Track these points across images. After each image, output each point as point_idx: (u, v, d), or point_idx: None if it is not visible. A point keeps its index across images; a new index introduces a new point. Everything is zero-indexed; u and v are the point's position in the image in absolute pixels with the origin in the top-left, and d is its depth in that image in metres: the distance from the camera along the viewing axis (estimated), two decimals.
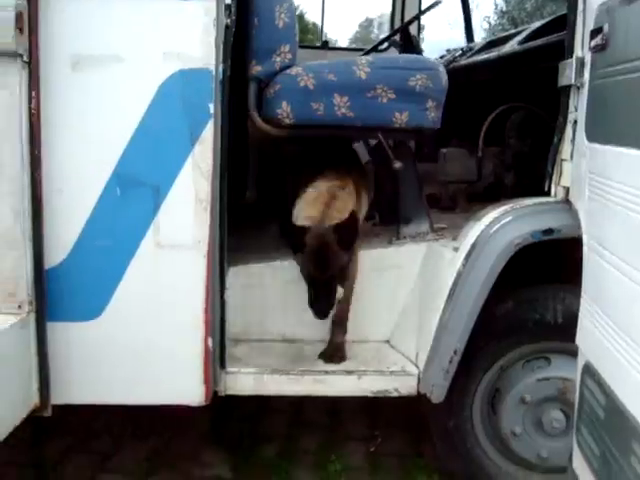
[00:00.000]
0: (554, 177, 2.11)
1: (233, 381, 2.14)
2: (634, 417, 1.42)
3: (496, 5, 20.08)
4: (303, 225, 2.09)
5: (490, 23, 20.41)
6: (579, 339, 1.80)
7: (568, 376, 2.10)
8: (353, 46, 17.20)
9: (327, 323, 2.25)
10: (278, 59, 2.20)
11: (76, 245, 1.91)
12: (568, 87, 1.99)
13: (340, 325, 2.28)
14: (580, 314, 1.79)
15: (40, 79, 1.79)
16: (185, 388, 2.03)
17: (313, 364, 2.22)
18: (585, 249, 1.78)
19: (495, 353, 2.19)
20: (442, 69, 2.28)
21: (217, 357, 2.05)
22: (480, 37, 5.59)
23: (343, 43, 20.09)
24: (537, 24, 3.15)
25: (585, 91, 1.86)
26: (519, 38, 3.05)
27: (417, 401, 2.31)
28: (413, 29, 4.17)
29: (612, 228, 1.61)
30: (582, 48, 1.91)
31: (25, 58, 1.76)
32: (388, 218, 2.59)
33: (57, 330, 1.92)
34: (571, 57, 1.95)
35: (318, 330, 2.29)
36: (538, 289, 2.19)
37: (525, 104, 2.84)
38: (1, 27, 1.71)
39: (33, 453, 2.60)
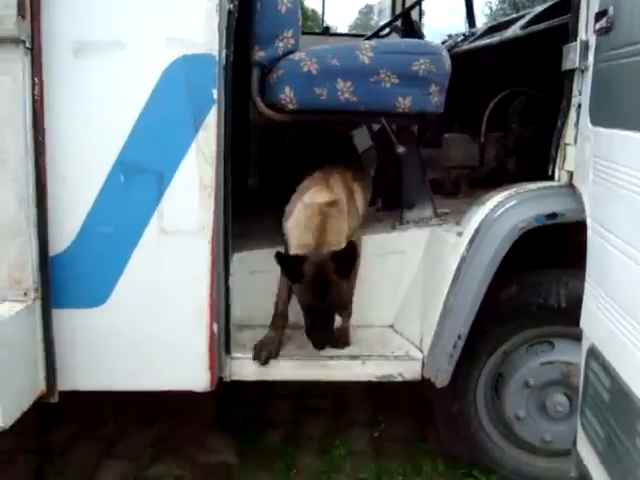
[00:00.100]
0: (558, 161, 2.11)
1: (238, 367, 2.15)
2: (639, 399, 1.43)
3: None
4: (298, 254, 2.03)
5: (491, 8, 20.35)
6: (583, 322, 1.81)
7: (572, 360, 2.11)
8: (353, 32, 17.10)
9: None
10: (281, 44, 2.19)
11: (80, 232, 1.91)
12: (572, 71, 1.98)
13: (344, 310, 2.28)
14: (584, 297, 1.80)
15: (42, 66, 1.79)
16: (190, 374, 2.04)
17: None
18: (589, 233, 1.78)
19: (499, 337, 2.20)
20: (445, 53, 2.27)
21: (222, 343, 2.07)
22: (481, 22, 5.55)
23: (343, 30, 19.98)
24: (540, 8, 3.13)
25: (589, 74, 1.86)
26: (521, 22, 3.03)
27: (420, 386, 2.32)
28: (414, 14, 4.16)
29: (617, 211, 1.61)
30: (586, 31, 1.90)
31: (27, 44, 1.76)
32: (391, 203, 2.59)
33: (62, 317, 1.93)
34: (575, 40, 1.95)
35: None
36: (542, 273, 2.20)
37: (527, 89, 2.83)
38: (3, 14, 1.71)
39: (40, 440, 2.62)
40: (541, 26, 2.70)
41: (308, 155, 2.46)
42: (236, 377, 2.16)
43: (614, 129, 1.63)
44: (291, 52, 2.20)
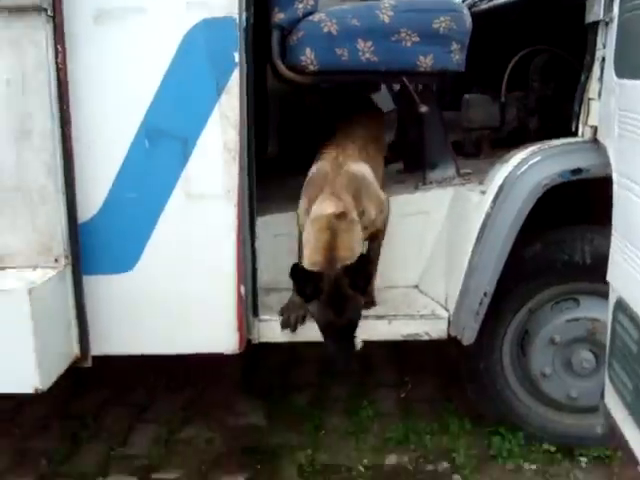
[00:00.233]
0: (581, 117, 2.09)
1: (266, 329, 2.18)
2: None
3: None
4: (312, 270, 1.95)
5: None
6: (610, 276, 1.80)
7: (597, 317, 2.12)
8: None
9: None
10: (300, 6, 2.18)
11: (107, 199, 1.94)
12: (596, 23, 1.95)
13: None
14: (611, 251, 1.79)
15: (65, 34, 1.80)
16: (219, 337, 2.06)
17: None
18: (615, 187, 1.77)
19: (524, 295, 2.21)
20: (466, 11, 2.25)
21: (250, 305, 2.09)
22: None
23: None
24: None
25: (614, 26, 1.83)
26: None
27: (446, 347, 2.34)
28: None
29: None
30: None
31: (49, 12, 1.76)
32: (413, 165, 2.58)
33: (93, 283, 1.96)
34: None
35: None
36: (566, 230, 2.19)
37: (548, 47, 2.80)
38: None
39: (73, 406, 2.68)
40: None
41: (329, 118, 2.44)
42: (264, 339, 2.19)
43: None
44: (310, 13, 2.19)
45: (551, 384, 2.26)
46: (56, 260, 1.88)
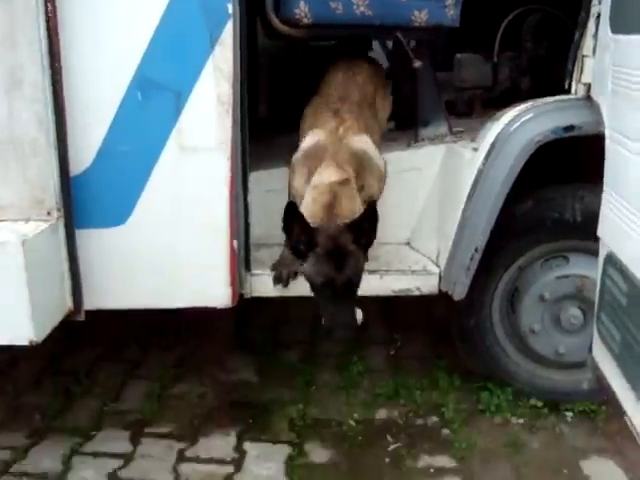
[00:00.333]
0: (575, 74, 2.09)
1: (258, 283, 2.19)
2: None
3: None
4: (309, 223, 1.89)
5: None
6: (601, 231, 1.82)
7: (586, 274, 2.15)
8: None
9: None
10: None
11: (100, 152, 1.92)
12: None
13: None
14: (602, 207, 1.80)
15: None
16: (212, 290, 2.07)
17: None
18: (607, 142, 1.78)
19: (514, 252, 2.23)
20: None
21: (242, 259, 2.09)
22: None
23: None
24: None
25: None
26: None
27: (436, 304, 2.36)
28: None
29: (636, 117, 1.60)
30: None
31: None
32: (405, 123, 2.58)
33: (85, 237, 1.96)
34: None
35: None
36: (557, 188, 2.21)
37: (541, 6, 2.78)
38: None
39: (66, 362, 2.70)
40: None
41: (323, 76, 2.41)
42: (256, 293, 2.20)
43: (637, 34, 1.61)
44: None
45: (540, 340, 2.30)
46: (48, 213, 1.87)
